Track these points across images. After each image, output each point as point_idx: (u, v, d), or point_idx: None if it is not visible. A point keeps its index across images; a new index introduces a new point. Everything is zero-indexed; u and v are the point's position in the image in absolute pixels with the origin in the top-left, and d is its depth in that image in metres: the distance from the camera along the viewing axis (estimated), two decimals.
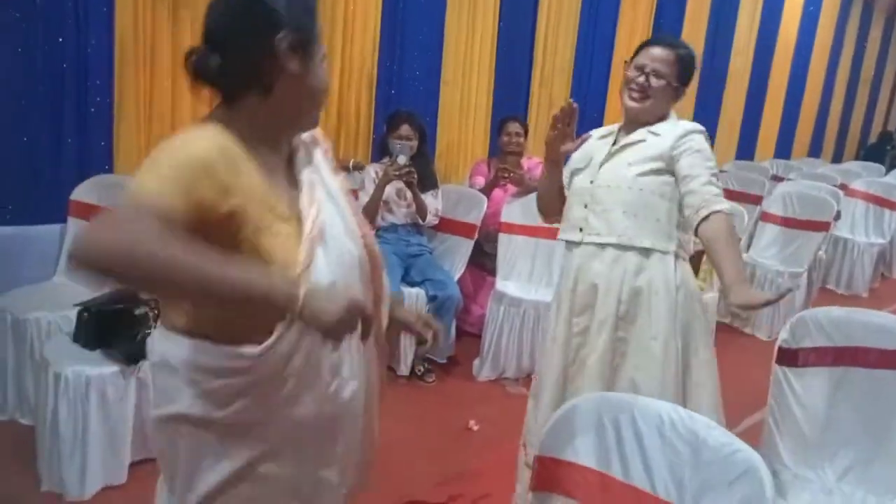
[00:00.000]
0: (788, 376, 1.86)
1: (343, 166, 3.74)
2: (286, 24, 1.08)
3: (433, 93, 4.25)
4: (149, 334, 2.17)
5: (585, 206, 1.86)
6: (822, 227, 4.34)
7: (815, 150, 8.85)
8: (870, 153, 8.96)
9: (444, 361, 3.27)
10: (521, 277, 3.41)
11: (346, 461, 1.23)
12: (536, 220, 3.33)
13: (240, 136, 1.07)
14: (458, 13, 4.25)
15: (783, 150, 8.18)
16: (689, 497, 1.16)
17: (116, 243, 0.89)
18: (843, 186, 5.48)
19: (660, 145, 1.80)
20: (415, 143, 3.35)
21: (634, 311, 1.80)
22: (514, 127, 3.78)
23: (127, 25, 2.98)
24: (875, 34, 9.31)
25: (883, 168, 7.41)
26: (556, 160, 1.92)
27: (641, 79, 1.82)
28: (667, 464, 1.20)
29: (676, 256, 1.82)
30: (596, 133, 2.00)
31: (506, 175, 3.58)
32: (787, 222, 4.46)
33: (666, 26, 5.75)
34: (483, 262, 3.58)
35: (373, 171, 3.41)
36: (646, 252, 1.80)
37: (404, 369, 3.17)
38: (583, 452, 1.28)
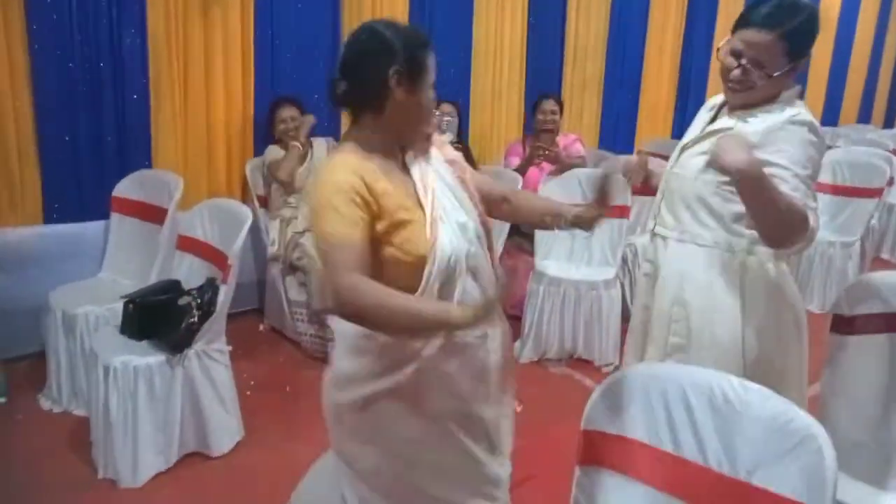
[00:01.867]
0: (844, 343, 1.78)
1: None
2: (399, 60, 1.29)
3: (465, 74, 4.20)
4: (193, 323, 2.23)
5: (662, 194, 1.76)
6: (875, 193, 4.16)
7: (864, 116, 8.50)
8: None
9: None
10: (561, 257, 3.36)
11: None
12: (574, 198, 3.30)
13: (365, 148, 1.33)
14: None
15: (830, 116, 7.88)
16: (743, 468, 1.12)
17: (363, 310, 1.22)
18: (894, 151, 5.25)
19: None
20: (456, 121, 3.33)
21: (690, 315, 1.66)
22: (549, 105, 3.72)
23: (159, 24, 3.03)
24: None
25: None
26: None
27: (737, 71, 1.53)
28: (719, 435, 1.15)
29: (749, 254, 1.59)
30: (708, 103, 1.80)
31: (541, 153, 3.53)
32: (837, 190, 4.29)
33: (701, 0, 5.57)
34: (521, 242, 3.53)
35: None
36: (707, 251, 1.62)
37: None
38: (630, 426, 1.25)
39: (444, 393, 1.38)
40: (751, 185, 1.38)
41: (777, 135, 1.48)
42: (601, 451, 1.27)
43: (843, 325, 1.78)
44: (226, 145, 3.40)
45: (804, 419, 1.07)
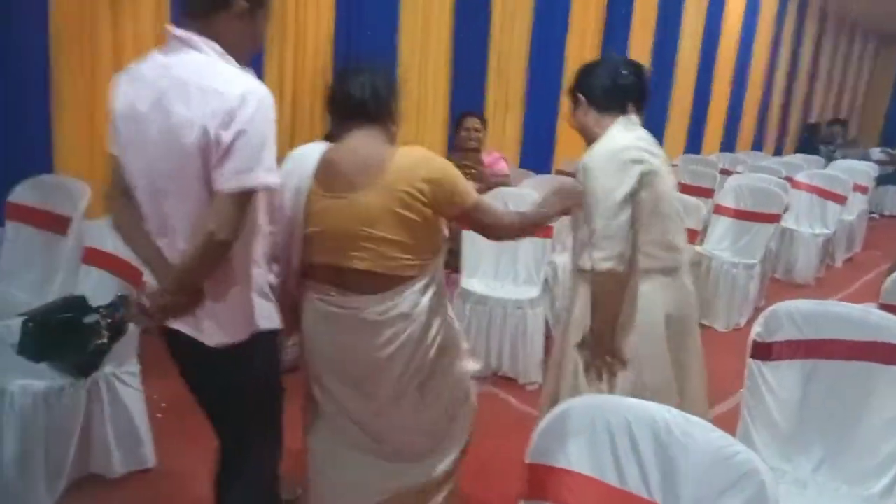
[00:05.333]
0: (762, 370, 1.87)
1: None
2: None
3: None
4: (102, 344, 2.06)
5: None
6: (774, 218, 4.45)
7: (757, 144, 9.13)
8: (805, 144, 9.22)
9: None
10: (487, 275, 3.38)
11: None
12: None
13: None
14: (413, 6, 4.18)
15: (728, 143, 8.41)
16: (686, 502, 1.14)
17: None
18: (787, 178, 5.63)
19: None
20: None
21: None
22: (472, 122, 3.72)
23: (64, 18, 2.82)
24: (810, 30, 9.66)
25: (822, 160, 7.66)
26: None
27: None
28: (662, 468, 1.17)
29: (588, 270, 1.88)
30: None
31: (466, 172, 3.54)
32: (740, 214, 4.55)
33: (616, 23, 5.81)
34: (446, 259, 3.52)
35: None
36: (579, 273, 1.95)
37: None
38: (575, 458, 1.25)
39: None
40: None
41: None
42: (546, 485, 1.26)
43: (762, 351, 1.87)
44: None
45: (747, 453, 1.10)
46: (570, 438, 1.26)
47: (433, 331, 1.70)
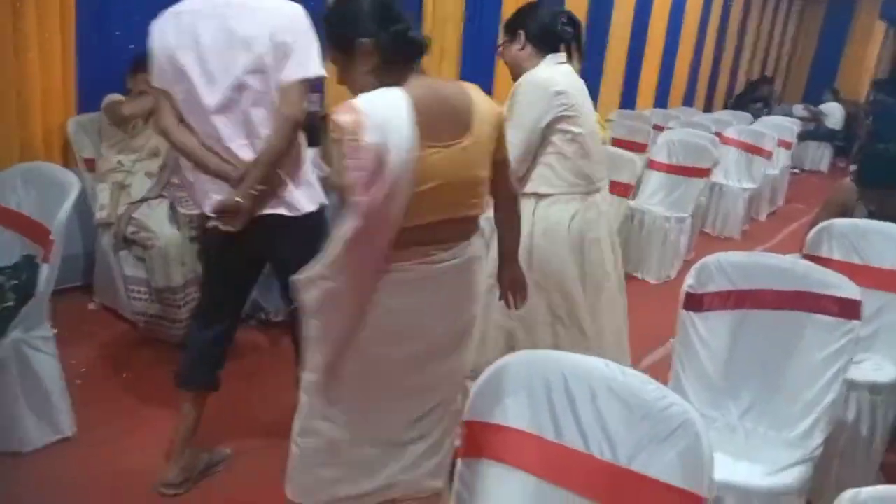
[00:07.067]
0: (694, 320, 1.90)
1: None
2: None
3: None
4: (7, 307, 1.92)
5: None
6: (704, 173, 4.53)
7: (688, 100, 9.29)
8: (739, 101, 9.51)
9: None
10: None
11: None
12: None
13: None
14: None
15: (661, 99, 8.51)
16: (623, 454, 1.13)
17: None
18: (717, 134, 5.75)
19: None
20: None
21: None
22: None
23: None
24: None
25: (750, 116, 7.87)
26: None
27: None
28: (600, 421, 1.16)
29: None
30: None
31: None
32: (672, 169, 4.61)
33: None
34: None
35: None
36: None
37: None
38: (512, 414, 1.22)
39: None
40: None
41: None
42: (483, 442, 1.24)
43: (694, 302, 1.90)
44: (43, 101, 2.95)
45: (682, 405, 1.10)
46: (507, 394, 1.23)
47: None
